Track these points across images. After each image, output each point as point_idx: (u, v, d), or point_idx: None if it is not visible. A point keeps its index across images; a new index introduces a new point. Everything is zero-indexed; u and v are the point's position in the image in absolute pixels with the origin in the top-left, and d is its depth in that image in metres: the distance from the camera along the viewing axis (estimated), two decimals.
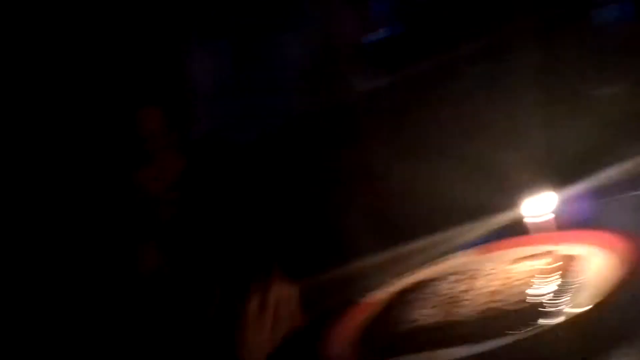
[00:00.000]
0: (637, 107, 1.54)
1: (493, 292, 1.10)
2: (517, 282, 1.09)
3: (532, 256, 1.17)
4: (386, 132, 1.69)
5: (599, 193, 1.35)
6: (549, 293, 1.04)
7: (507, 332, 1.00)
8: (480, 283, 1.14)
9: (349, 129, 1.69)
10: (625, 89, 1.60)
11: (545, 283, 1.06)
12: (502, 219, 1.36)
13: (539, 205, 1.19)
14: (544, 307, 1.01)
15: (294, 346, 1.25)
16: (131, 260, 1.21)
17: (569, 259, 1.12)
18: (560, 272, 1.08)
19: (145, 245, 1.23)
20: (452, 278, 1.20)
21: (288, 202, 1.61)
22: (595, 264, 1.09)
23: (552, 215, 1.18)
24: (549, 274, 1.08)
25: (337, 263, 1.45)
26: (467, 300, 1.11)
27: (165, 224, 1.24)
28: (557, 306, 1.01)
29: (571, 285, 1.05)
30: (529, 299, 1.03)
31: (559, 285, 1.05)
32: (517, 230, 1.28)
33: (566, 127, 1.59)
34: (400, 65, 1.77)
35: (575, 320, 0.95)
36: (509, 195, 1.33)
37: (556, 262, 1.11)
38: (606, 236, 1.13)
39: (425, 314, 1.12)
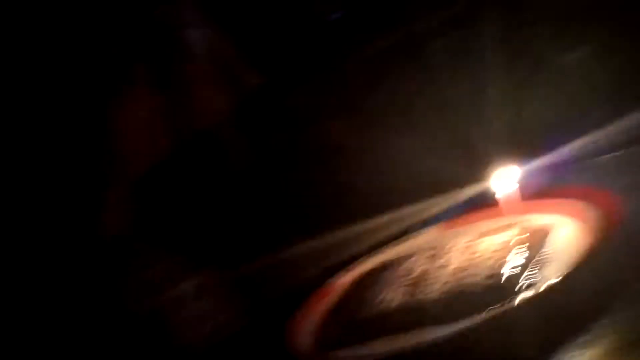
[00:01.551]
0: (596, 74, 1.50)
1: (458, 269, 1.06)
2: (482, 258, 1.06)
3: (497, 229, 1.13)
4: (351, 105, 1.66)
5: (564, 162, 1.32)
6: (516, 267, 1.00)
7: (471, 312, 0.96)
8: (444, 260, 1.11)
9: (312, 104, 1.66)
10: (586, 55, 1.57)
11: (512, 257, 1.02)
12: (468, 191, 1.32)
13: (504, 176, 1.15)
14: (512, 282, 0.97)
15: (255, 332, 1.21)
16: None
17: (534, 230, 1.08)
18: (526, 244, 1.04)
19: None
20: (416, 257, 1.17)
21: (250, 180, 1.56)
22: (562, 233, 1.06)
23: (517, 186, 1.14)
24: (515, 247, 1.05)
25: (302, 239, 1.41)
26: (431, 279, 1.08)
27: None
28: (526, 280, 0.97)
29: (538, 257, 1.01)
30: (496, 275, 0.99)
31: (525, 258, 1.01)
32: (482, 202, 1.25)
33: (530, 96, 1.56)
34: (363, 40, 1.73)
35: (545, 294, 0.92)
36: (475, 167, 1.30)
37: (522, 234, 1.08)
38: (571, 205, 1.09)
39: (389, 296, 1.09)
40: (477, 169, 1.27)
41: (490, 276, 0.99)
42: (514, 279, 0.98)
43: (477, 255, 1.07)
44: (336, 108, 1.64)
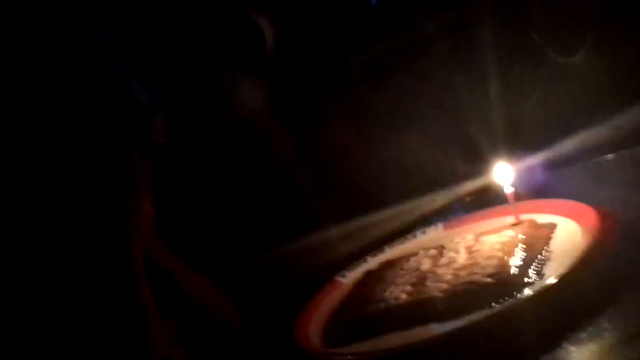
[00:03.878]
0: (599, 75, 1.53)
1: (460, 268, 1.08)
2: (484, 257, 1.08)
3: (501, 228, 1.15)
4: (354, 106, 1.68)
5: (562, 162, 1.34)
6: (519, 265, 1.02)
7: (476, 308, 0.98)
8: (447, 259, 1.13)
9: (317, 107, 1.68)
10: (588, 57, 1.59)
11: (515, 255, 1.04)
12: (468, 188, 1.35)
13: (505, 175, 1.17)
14: (512, 281, 0.99)
15: (261, 328, 1.23)
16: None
17: (537, 228, 1.11)
18: (526, 244, 1.07)
19: None
20: (419, 255, 1.19)
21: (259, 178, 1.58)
22: (564, 232, 1.08)
23: (517, 186, 1.16)
24: (519, 245, 1.06)
25: (306, 235, 1.43)
26: (435, 277, 1.09)
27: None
28: (525, 279, 0.99)
29: (538, 257, 1.03)
30: (497, 273, 1.01)
31: (529, 256, 1.03)
32: (483, 200, 1.27)
33: (531, 96, 1.58)
34: (367, 42, 1.75)
35: (543, 293, 0.93)
36: (476, 166, 1.33)
37: (525, 233, 1.10)
38: (572, 206, 1.11)
39: (394, 293, 1.10)
40: (479, 167, 1.30)
41: (494, 274, 1.01)
42: (517, 276, 1.00)
43: (481, 253, 1.09)
44: (340, 109, 1.66)
